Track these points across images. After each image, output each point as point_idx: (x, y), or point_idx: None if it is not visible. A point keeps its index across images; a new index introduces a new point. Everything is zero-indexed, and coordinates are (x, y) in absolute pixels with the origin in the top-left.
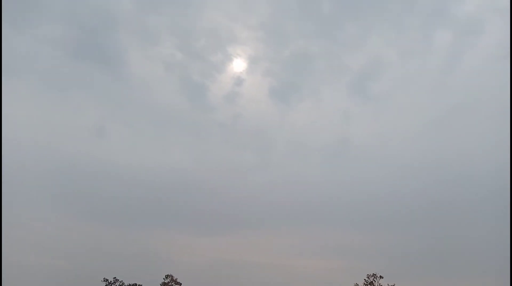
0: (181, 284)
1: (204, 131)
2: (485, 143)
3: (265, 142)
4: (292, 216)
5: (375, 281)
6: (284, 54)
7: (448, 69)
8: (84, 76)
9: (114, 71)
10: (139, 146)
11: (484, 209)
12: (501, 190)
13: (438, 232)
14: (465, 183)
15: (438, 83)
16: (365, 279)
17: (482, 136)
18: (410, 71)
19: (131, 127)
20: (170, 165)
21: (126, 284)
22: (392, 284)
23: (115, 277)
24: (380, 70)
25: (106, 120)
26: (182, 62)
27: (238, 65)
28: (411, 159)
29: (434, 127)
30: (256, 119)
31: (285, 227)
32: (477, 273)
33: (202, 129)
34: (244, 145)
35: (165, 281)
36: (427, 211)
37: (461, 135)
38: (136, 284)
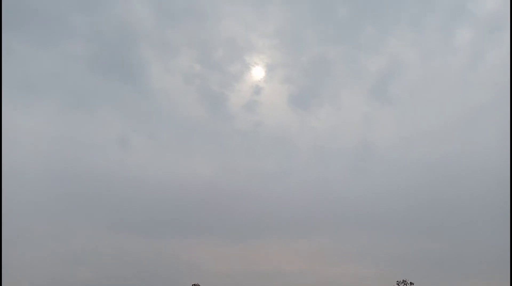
0: None
1: (225, 140)
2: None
3: (286, 149)
4: (318, 222)
5: None
6: (301, 60)
7: (471, 67)
8: (107, 91)
9: (136, 84)
10: (162, 157)
11: None
12: None
13: (469, 237)
14: (496, 182)
15: (461, 82)
16: None
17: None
18: (431, 71)
19: (154, 139)
20: (193, 175)
21: None
22: None
23: None
24: (400, 72)
25: (130, 133)
26: (201, 73)
27: (256, 73)
28: (437, 160)
29: (460, 126)
30: (277, 126)
31: (312, 232)
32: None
33: (223, 138)
34: (265, 153)
35: None
36: (455, 215)
37: (489, 134)
38: None
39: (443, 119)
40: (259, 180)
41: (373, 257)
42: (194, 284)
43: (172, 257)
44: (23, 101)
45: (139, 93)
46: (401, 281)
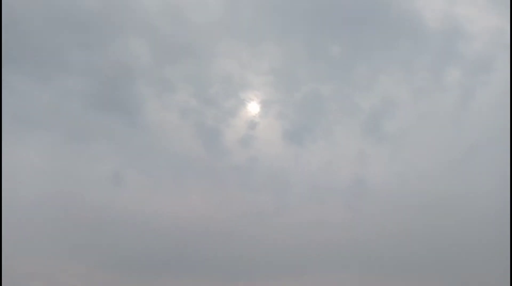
0: None
1: (220, 176)
2: (505, 182)
3: (281, 185)
4: (313, 261)
5: None
6: (295, 97)
7: (461, 106)
8: (103, 126)
9: (132, 120)
10: (156, 193)
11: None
12: None
13: (466, 278)
14: (487, 221)
15: (452, 121)
16: None
17: (501, 174)
18: (423, 109)
19: (148, 174)
20: (187, 212)
21: None
22: None
23: None
24: (392, 109)
25: (124, 168)
26: (196, 109)
27: (251, 109)
28: (432, 200)
29: (454, 165)
30: (271, 161)
31: (306, 274)
32: None
33: (218, 173)
34: (260, 188)
35: None
36: (450, 252)
37: (483, 173)
38: None
39: (437, 157)
40: (253, 218)
41: None
42: None
43: None
44: (19, 134)
45: (134, 128)
46: None
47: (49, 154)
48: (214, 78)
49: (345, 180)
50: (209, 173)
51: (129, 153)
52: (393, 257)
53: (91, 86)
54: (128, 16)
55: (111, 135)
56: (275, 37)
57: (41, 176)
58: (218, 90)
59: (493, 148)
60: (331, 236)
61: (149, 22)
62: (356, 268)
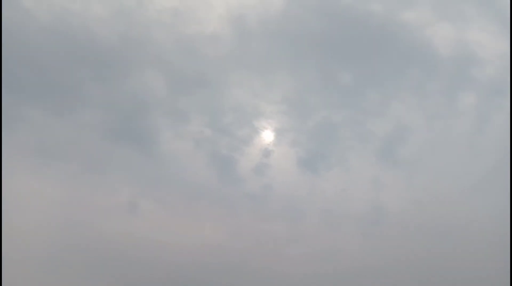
0: None
1: (234, 204)
2: None
3: (296, 213)
4: None
5: None
6: (309, 124)
7: (477, 131)
8: (119, 157)
9: (148, 151)
10: (170, 222)
11: None
12: None
13: None
14: (504, 247)
15: (468, 146)
16: None
17: None
18: (437, 134)
19: (163, 204)
20: (202, 241)
21: None
22: None
23: None
24: (406, 135)
25: (139, 198)
26: (211, 138)
27: (265, 137)
28: (449, 224)
29: (470, 190)
30: (286, 189)
31: None
32: None
33: (233, 202)
34: (275, 217)
35: None
36: (467, 279)
37: (500, 199)
38: None
39: (453, 182)
40: (267, 246)
41: None
42: None
43: None
44: (37, 167)
45: (149, 159)
46: None
47: (65, 185)
48: (227, 108)
49: (360, 206)
50: (223, 202)
51: (144, 183)
52: (409, 284)
53: (108, 118)
54: (143, 50)
55: (127, 165)
56: (287, 66)
57: (57, 206)
58: (231, 119)
59: (508, 173)
60: (347, 264)
61: (164, 56)
62: None
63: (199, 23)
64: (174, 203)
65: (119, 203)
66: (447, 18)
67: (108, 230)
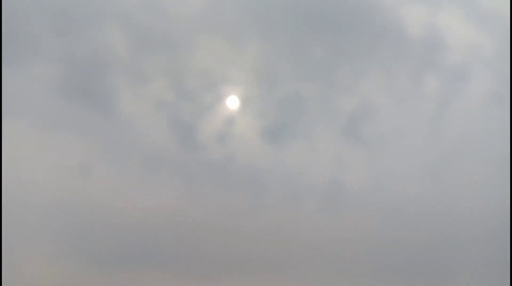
0: None
1: (194, 173)
2: (479, 189)
3: (258, 184)
4: (287, 261)
5: None
6: (276, 95)
7: (438, 115)
8: (73, 116)
9: (104, 111)
10: (126, 188)
11: (483, 257)
12: (498, 234)
13: (437, 278)
14: (458, 225)
15: (429, 128)
16: None
17: (476, 182)
18: (401, 116)
19: (119, 168)
20: (159, 207)
21: None
22: None
23: None
24: (372, 114)
25: (93, 160)
26: (172, 103)
27: (230, 105)
28: (406, 202)
29: (428, 171)
30: (248, 160)
31: (278, 273)
32: None
33: (193, 170)
34: (236, 187)
35: None
36: (424, 257)
37: (456, 181)
38: None
39: (413, 162)
40: (228, 215)
41: None
42: None
43: None
44: None
45: (106, 119)
46: None
47: (13, 142)
48: (192, 72)
49: (321, 181)
50: (182, 170)
51: (98, 145)
52: (365, 258)
53: (63, 73)
54: (106, 3)
55: (81, 125)
56: (259, 34)
57: (2, 164)
58: (195, 84)
59: (467, 156)
60: (305, 236)
61: (128, 11)
62: (328, 268)
63: None
64: (131, 168)
65: (71, 164)
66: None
67: (58, 193)
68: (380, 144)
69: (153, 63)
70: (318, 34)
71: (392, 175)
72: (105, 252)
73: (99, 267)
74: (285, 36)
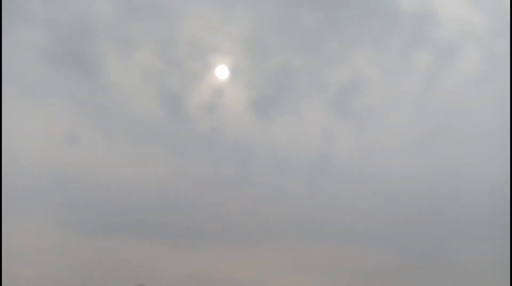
0: None
1: (182, 143)
2: (466, 163)
3: (245, 156)
4: (273, 232)
5: None
6: (265, 66)
7: (427, 90)
8: (60, 83)
9: (91, 78)
10: (113, 157)
11: (466, 228)
12: (479, 209)
13: (422, 248)
14: (441, 199)
15: (418, 103)
16: None
17: (463, 156)
18: (390, 89)
19: (106, 137)
20: (146, 176)
21: None
22: None
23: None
24: (362, 87)
25: (80, 128)
26: (160, 71)
27: (219, 75)
28: (392, 176)
29: (415, 146)
30: (236, 131)
31: (265, 243)
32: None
33: (180, 141)
34: (223, 158)
35: None
36: (408, 228)
37: (443, 155)
38: None
39: (400, 137)
40: (215, 186)
41: (324, 269)
42: (139, 284)
43: (118, 258)
44: None
45: (93, 87)
46: None
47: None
48: (180, 40)
49: (309, 154)
50: (170, 139)
51: (85, 113)
52: (350, 228)
53: (49, 39)
54: None
55: (68, 92)
56: (249, 3)
57: None
58: (184, 52)
59: (454, 131)
60: (290, 208)
61: None
62: (313, 238)
63: None
64: (118, 136)
65: (58, 132)
66: None
67: (45, 161)
68: (368, 117)
69: (141, 30)
70: (310, 5)
71: (380, 148)
72: (93, 220)
73: (86, 234)
74: (276, 5)
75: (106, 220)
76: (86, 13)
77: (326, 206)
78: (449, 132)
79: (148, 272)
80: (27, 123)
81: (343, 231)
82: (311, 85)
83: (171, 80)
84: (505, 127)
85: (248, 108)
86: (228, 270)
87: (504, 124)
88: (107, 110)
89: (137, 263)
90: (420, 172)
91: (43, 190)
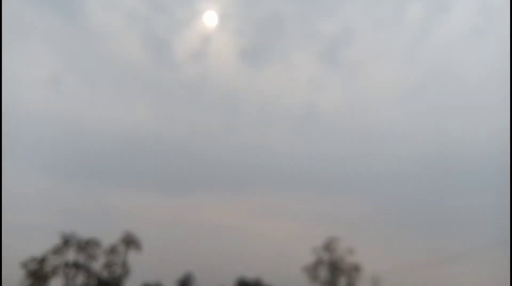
0: (138, 241)
1: (168, 91)
2: (455, 116)
3: (232, 105)
4: (259, 180)
5: (334, 244)
6: (255, 14)
7: (418, 42)
8: (41, 26)
9: (73, 21)
10: (97, 103)
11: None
12: (471, 156)
13: (398, 201)
14: (428, 151)
15: (408, 55)
16: (324, 242)
17: (451, 109)
18: (382, 42)
19: (89, 82)
20: (131, 123)
21: (83, 239)
22: (351, 248)
23: (71, 232)
24: (352, 39)
25: (63, 73)
26: (145, 15)
27: (207, 22)
28: (380, 129)
29: (405, 98)
30: (224, 80)
31: (252, 190)
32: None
33: (166, 88)
34: (211, 107)
35: (122, 237)
36: (395, 179)
37: (431, 109)
38: (93, 239)
39: (387, 91)
40: (202, 134)
41: (306, 215)
42: (125, 231)
43: (103, 204)
44: None
45: (75, 30)
46: (331, 237)
47: None
48: None
49: (296, 105)
50: (156, 86)
51: (68, 57)
52: (334, 180)
53: None
54: None
55: (50, 36)
56: None
57: None
58: None
59: (443, 85)
60: (276, 157)
61: None
62: (296, 188)
63: None
64: (102, 82)
65: (40, 76)
66: None
67: (28, 105)
68: (358, 69)
69: None
70: None
71: (368, 100)
72: (78, 167)
73: (71, 181)
74: None
75: (92, 167)
76: None
77: (312, 155)
78: (439, 84)
79: (135, 219)
80: (8, 67)
81: (328, 180)
82: (301, 34)
83: (157, 25)
84: (496, 80)
85: (237, 56)
86: (215, 216)
87: (494, 77)
88: (90, 55)
89: (124, 210)
90: (408, 123)
91: (27, 135)
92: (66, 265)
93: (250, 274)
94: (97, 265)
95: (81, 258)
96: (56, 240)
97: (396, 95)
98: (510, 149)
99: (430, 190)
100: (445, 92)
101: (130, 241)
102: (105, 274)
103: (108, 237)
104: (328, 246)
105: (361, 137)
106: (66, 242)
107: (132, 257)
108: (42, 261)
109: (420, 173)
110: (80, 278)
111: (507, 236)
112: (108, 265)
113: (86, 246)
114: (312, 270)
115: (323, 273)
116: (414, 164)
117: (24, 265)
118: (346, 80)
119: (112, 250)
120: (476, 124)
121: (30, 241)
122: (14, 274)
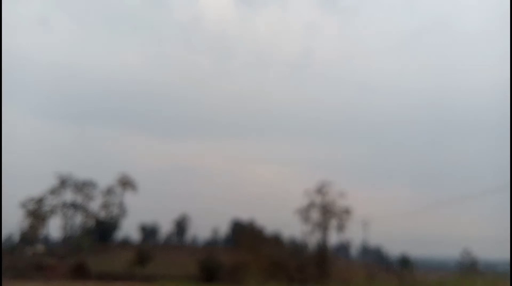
0: (133, 182)
1: (160, 32)
2: (451, 65)
3: (225, 49)
4: (253, 126)
5: (326, 188)
6: None
7: None
8: None
9: None
10: (87, 45)
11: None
12: (471, 105)
13: (390, 146)
14: (418, 101)
15: (406, 2)
16: (316, 186)
17: (448, 59)
18: None
19: (79, 22)
20: (125, 66)
21: (79, 180)
22: (343, 192)
23: (68, 173)
24: None
25: (51, 13)
26: None
27: None
28: (376, 78)
29: (397, 49)
30: (218, 22)
31: (242, 134)
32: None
33: (159, 29)
34: (203, 50)
35: (118, 179)
36: (379, 128)
37: (429, 54)
38: (89, 180)
39: (384, 39)
40: (195, 78)
41: (300, 160)
42: (121, 173)
43: (97, 147)
44: None
45: None
46: (323, 181)
47: None
48: None
49: (291, 50)
50: (148, 27)
51: None
52: (327, 127)
53: None
54: None
55: None
56: None
57: None
58: None
59: (441, 34)
60: (270, 104)
61: None
62: (290, 135)
63: None
64: (92, 22)
65: (28, 17)
66: None
67: (16, 47)
68: (355, 15)
69: None
70: None
71: (364, 48)
72: (71, 110)
73: (66, 124)
74: None
75: (86, 110)
76: None
77: (306, 102)
78: (436, 33)
79: (130, 163)
80: None
81: (323, 127)
82: None
83: None
84: (495, 26)
85: None
86: (209, 161)
87: (493, 23)
88: None
89: (120, 154)
90: (405, 71)
91: (19, 78)
92: (64, 205)
93: (244, 216)
94: (95, 206)
95: (79, 199)
96: (53, 182)
97: (394, 41)
98: (510, 97)
99: (428, 138)
100: (444, 40)
101: (126, 182)
102: (102, 214)
103: (104, 179)
104: (321, 189)
105: (358, 85)
106: (63, 182)
107: (129, 199)
108: (40, 201)
109: (418, 120)
110: (78, 218)
111: (507, 181)
112: (105, 206)
113: (83, 187)
114: (304, 212)
115: (315, 215)
116: (411, 113)
117: (23, 205)
118: (343, 27)
119: (109, 191)
120: (475, 74)
121: (28, 182)
122: (14, 214)
